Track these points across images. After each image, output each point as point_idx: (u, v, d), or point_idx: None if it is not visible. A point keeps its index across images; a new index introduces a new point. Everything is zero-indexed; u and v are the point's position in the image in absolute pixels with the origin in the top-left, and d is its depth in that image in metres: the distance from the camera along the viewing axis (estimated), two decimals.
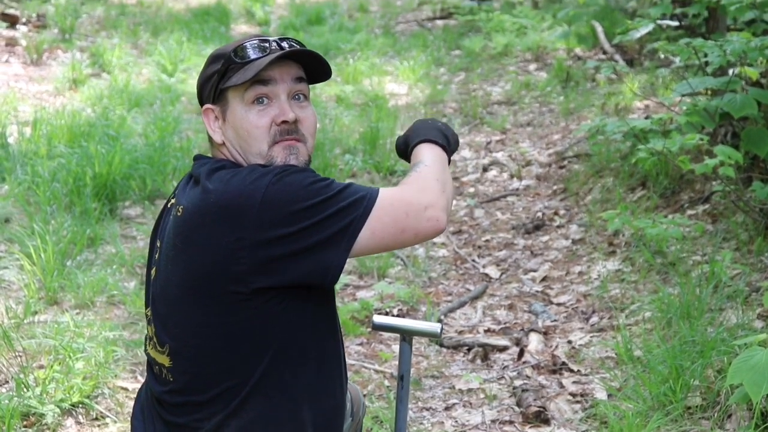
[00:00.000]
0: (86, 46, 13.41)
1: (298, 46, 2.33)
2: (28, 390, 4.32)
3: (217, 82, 2.32)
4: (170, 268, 2.19)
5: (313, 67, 2.37)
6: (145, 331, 2.37)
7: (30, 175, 7.14)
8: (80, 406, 4.34)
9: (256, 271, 2.08)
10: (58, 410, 4.24)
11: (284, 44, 2.31)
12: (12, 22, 14.02)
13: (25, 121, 9.07)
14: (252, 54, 2.29)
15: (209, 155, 2.45)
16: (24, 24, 14.34)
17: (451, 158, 2.47)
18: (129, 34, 14.45)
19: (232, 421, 2.14)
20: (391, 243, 2.19)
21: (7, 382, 4.54)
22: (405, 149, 2.49)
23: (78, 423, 4.27)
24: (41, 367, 4.60)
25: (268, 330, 2.15)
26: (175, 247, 2.18)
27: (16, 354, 4.74)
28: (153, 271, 2.31)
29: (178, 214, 2.21)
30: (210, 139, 2.41)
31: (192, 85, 11.31)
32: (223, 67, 2.30)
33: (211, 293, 2.11)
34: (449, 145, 2.44)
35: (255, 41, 2.32)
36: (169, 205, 2.36)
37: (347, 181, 6.17)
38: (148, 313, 2.31)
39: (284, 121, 2.28)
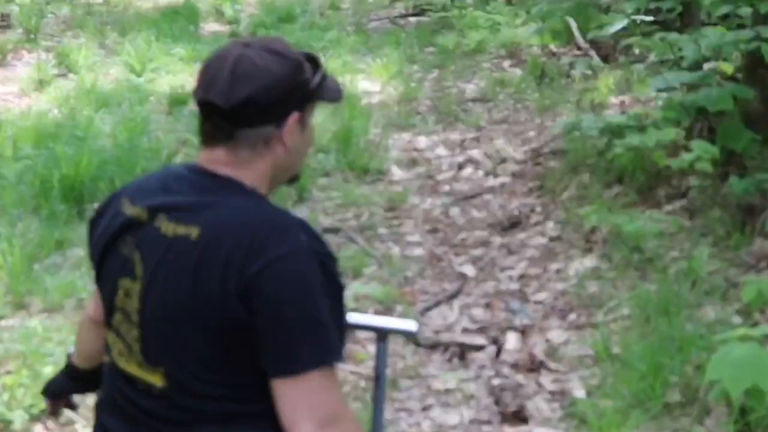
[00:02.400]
0: (52, 46, 13.32)
1: None
2: None
3: (312, 92, 2.21)
4: (172, 289, 2.11)
5: None
6: (109, 351, 2.26)
7: None
8: None
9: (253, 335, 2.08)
10: (26, 416, 4.22)
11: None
12: None
13: None
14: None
15: (212, 168, 2.19)
16: None
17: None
18: (96, 33, 14.37)
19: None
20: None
21: None
22: None
23: (47, 429, 4.25)
24: (9, 372, 4.58)
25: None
26: (186, 274, 2.08)
27: None
28: (129, 283, 2.17)
29: (191, 238, 2.08)
30: (232, 145, 2.15)
31: (161, 84, 11.28)
32: (318, 78, 2.21)
33: (218, 336, 2.08)
34: None
35: (319, 60, 2.28)
36: (139, 214, 2.18)
37: None
38: (120, 326, 2.20)
39: None
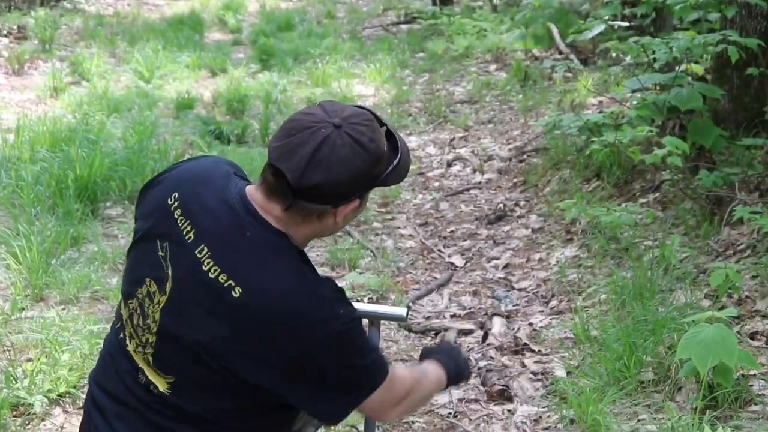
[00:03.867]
0: (66, 55, 13.32)
1: None
2: (16, 382, 4.31)
3: (381, 182, 2.19)
4: (198, 327, 2.09)
5: None
6: (119, 323, 2.27)
7: (14, 179, 7.10)
8: (67, 395, 4.33)
9: (275, 389, 2.14)
10: (46, 400, 4.23)
11: None
12: None
13: (8, 128, 9.02)
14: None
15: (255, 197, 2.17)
16: (5, 36, 14.25)
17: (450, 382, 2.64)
18: (107, 43, 14.37)
19: None
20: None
21: None
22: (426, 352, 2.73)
23: (65, 412, 4.26)
24: (29, 360, 4.60)
25: (266, 407, 2.19)
26: (224, 325, 2.07)
27: (5, 348, 4.73)
28: (155, 289, 2.15)
29: (233, 294, 2.05)
30: (314, 217, 2.15)
31: (168, 90, 11.29)
32: (386, 171, 2.17)
33: (238, 383, 2.11)
34: (454, 379, 2.63)
35: (398, 150, 2.23)
36: (185, 230, 2.13)
37: None
38: (133, 317, 2.19)
39: None
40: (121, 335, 2.23)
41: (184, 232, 2.13)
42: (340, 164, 2.05)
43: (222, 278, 2.05)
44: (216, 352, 2.07)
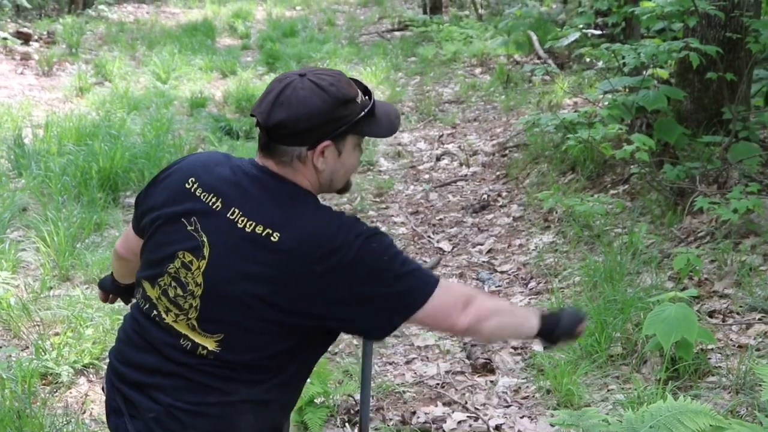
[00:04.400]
0: (90, 58, 13.30)
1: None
2: (45, 354, 4.32)
3: (349, 127, 2.16)
4: (246, 278, 2.08)
5: None
6: (147, 304, 2.23)
7: (43, 170, 7.10)
8: (91, 366, 4.34)
9: (328, 315, 2.10)
10: (71, 370, 4.25)
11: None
12: (26, 39, 13.92)
13: (38, 124, 9.01)
14: (378, 107, 2.25)
15: (265, 164, 2.19)
16: (36, 41, 14.23)
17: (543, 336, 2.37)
18: (127, 47, 14.35)
19: (254, 396, 2.15)
20: (433, 328, 2.31)
21: (27, 347, 4.53)
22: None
23: (89, 381, 4.27)
24: (56, 334, 4.60)
25: (308, 344, 2.17)
26: (269, 269, 2.06)
27: (35, 323, 4.74)
28: (191, 258, 2.14)
29: (273, 239, 2.06)
30: (274, 156, 2.16)
31: (183, 91, 11.26)
32: (357, 116, 2.16)
33: (290, 321, 2.09)
34: (549, 334, 2.36)
35: (372, 100, 2.23)
36: (211, 202, 2.15)
37: None
38: (169, 290, 2.18)
39: None
40: (154, 313, 2.20)
41: (211, 203, 2.16)
42: (300, 103, 2.10)
43: (259, 230, 2.08)
44: (267, 296, 2.06)
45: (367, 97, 2.22)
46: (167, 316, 2.18)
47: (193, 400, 2.13)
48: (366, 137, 2.27)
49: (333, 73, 2.20)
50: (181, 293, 2.15)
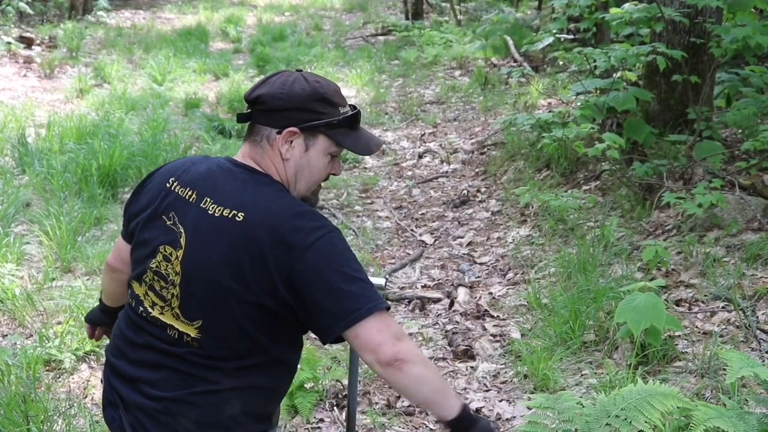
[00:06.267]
0: (90, 62, 13.22)
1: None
2: (49, 341, 4.30)
3: (322, 125, 2.13)
4: (215, 259, 2.04)
5: None
6: (134, 302, 2.22)
7: (45, 167, 7.05)
8: (92, 353, 4.32)
9: (287, 297, 2.02)
10: (74, 357, 4.23)
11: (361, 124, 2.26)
12: (28, 43, 13.83)
13: (40, 123, 8.97)
14: (363, 130, 2.24)
15: (247, 161, 2.19)
16: (38, 45, 14.13)
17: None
18: (125, 51, 14.26)
19: (239, 383, 2.11)
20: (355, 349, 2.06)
21: (31, 335, 4.51)
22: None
23: (91, 367, 4.24)
24: (59, 322, 4.58)
25: (284, 328, 2.11)
26: (232, 248, 2.02)
27: (39, 313, 4.71)
28: (171, 250, 2.12)
29: (237, 219, 2.03)
30: (265, 141, 2.15)
31: (178, 92, 11.20)
32: (332, 118, 2.14)
33: (255, 300, 2.04)
34: (465, 427, 2.06)
35: (355, 112, 2.20)
36: (187, 195, 2.14)
37: None
38: (155, 284, 2.16)
39: (332, 174, 2.26)
40: (141, 309, 2.19)
41: (187, 197, 2.15)
42: (281, 85, 2.14)
43: (226, 212, 2.07)
44: (234, 275, 2.03)
45: (351, 112, 2.19)
46: (153, 309, 2.16)
47: (183, 391, 2.10)
48: (344, 152, 2.23)
49: (327, 80, 2.21)
50: (164, 285, 2.14)
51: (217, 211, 2.08)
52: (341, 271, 2.01)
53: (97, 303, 2.68)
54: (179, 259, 2.11)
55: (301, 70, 2.20)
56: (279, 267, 1.99)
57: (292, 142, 2.14)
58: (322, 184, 2.30)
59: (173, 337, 2.12)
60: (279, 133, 2.13)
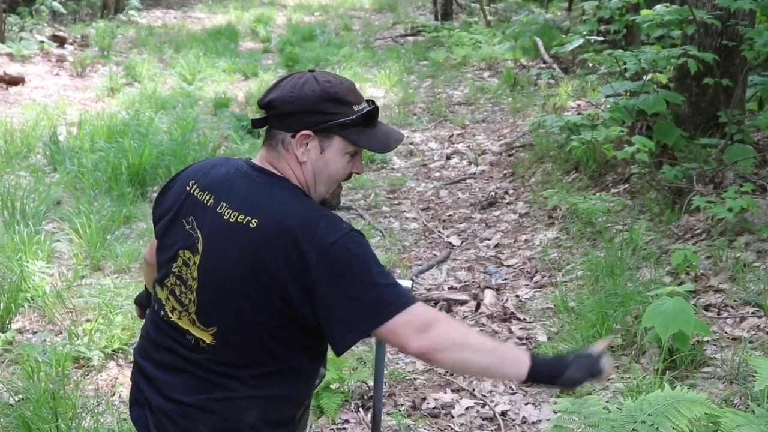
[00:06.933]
0: (121, 61, 13.33)
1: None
2: (77, 339, 4.34)
3: (335, 126, 2.10)
4: (229, 265, 2.04)
5: None
6: (157, 305, 2.22)
7: (76, 165, 7.13)
8: (120, 351, 4.35)
9: (302, 304, 1.99)
10: (102, 355, 4.26)
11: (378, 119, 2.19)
12: (61, 42, 13.98)
13: (72, 122, 9.05)
14: (381, 126, 2.18)
15: (261, 164, 2.16)
16: (70, 44, 14.29)
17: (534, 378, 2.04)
18: (156, 50, 14.37)
19: (256, 392, 2.10)
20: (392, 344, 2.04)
21: (61, 332, 4.55)
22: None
23: (118, 365, 4.28)
24: (88, 320, 4.62)
25: (300, 335, 2.08)
26: (246, 255, 2.01)
27: (68, 310, 4.76)
28: (190, 255, 2.11)
29: (252, 225, 2.01)
30: (281, 145, 2.13)
31: (207, 91, 11.27)
32: (345, 118, 2.10)
33: (269, 307, 2.02)
34: (548, 381, 2.08)
35: (370, 109, 2.15)
36: (205, 199, 2.13)
37: None
38: (175, 288, 2.15)
39: (354, 174, 2.22)
40: (163, 313, 2.19)
41: (205, 201, 2.14)
42: (291, 88, 2.12)
43: (240, 218, 2.05)
44: (248, 281, 2.01)
45: (367, 109, 2.15)
46: (173, 314, 2.17)
47: (201, 397, 2.10)
48: (366, 151, 2.19)
49: (340, 77, 2.17)
50: (183, 290, 2.14)
51: (232, 216, 2.06)
52: (356, 278, 1.98)
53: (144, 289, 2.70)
54: (196, 265, 2.11)
55: (313, 71, 2.17)
56: (293, 274, 1.97)
57: (307, 144, 2.11)
58: (347, 183, 2.29)
59: (191, 342, 2.12)
60: (293, 136, 2.11)
